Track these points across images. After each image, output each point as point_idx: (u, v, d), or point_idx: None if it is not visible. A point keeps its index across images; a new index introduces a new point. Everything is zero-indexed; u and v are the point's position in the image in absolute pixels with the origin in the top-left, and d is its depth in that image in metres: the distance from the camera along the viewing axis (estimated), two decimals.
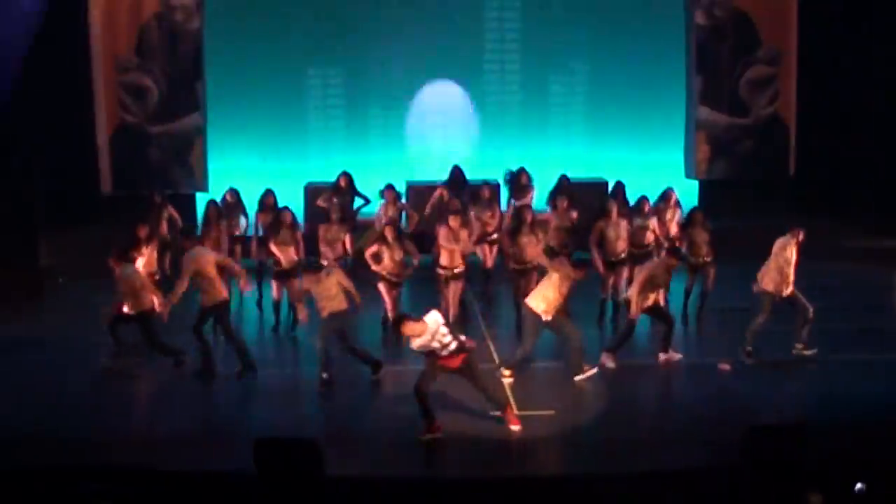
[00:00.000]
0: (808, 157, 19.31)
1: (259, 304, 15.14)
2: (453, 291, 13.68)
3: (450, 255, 13.59)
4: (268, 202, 15.34)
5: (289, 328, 14.12)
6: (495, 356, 12.78)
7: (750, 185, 19.30)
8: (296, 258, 13.90)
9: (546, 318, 12.14)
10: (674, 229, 14.95)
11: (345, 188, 15.99)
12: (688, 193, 17.45)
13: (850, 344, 13.27)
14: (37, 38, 17.84)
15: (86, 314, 14.40)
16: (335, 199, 15.36)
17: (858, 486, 7.99)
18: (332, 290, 12.13)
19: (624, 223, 14.26)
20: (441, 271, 13.68)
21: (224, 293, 12.54)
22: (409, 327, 10.39)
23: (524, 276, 13.89)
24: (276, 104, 19.31)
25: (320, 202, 15.69)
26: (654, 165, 19.50)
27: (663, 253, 13.32)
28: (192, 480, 9.33)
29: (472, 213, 15.03)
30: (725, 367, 12.62)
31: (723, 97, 19.29)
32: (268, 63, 19.09)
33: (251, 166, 19.00)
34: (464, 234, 13.68)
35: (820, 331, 13.26)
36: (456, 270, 13.65)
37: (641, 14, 19.55)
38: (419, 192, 17.76)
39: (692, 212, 14.65)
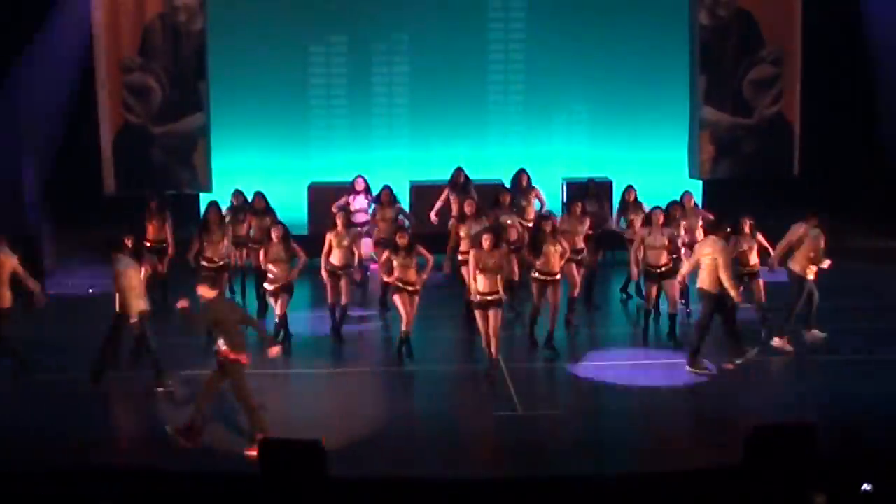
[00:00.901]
0: (812, 157, 19.24)
1: (260, 313, 14.99)
2: (493, 321, 12.27)
3: (488, 281, 12.20)
4: (257, 205, 15.17)
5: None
6: (505, 371, 12.56)
7: (754, 184, 19.23)
8: (288, 276, 13.26)
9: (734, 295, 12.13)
10: (700, 234, 14.77)
11: (360, 191, 15.71)
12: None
13: (856, 344, 13.20)
14: (40, 39, 17.82)
15: (87, 315, 14.32)
16: (351, 204, 15.21)
17: (865, 486, 7.93)
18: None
19: (668, 232, 13.70)
20: (478, 297, 12.28)
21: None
22: (205, 290, 10.47)
23: (551, 287, 13.19)
24: (279, 103, 19.25)
25: (335, 208, 15.30)
26: (658, 165, 19.43)
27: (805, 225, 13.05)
28: (195, 481, 9.28)
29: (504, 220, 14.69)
30: (730, 366, 12.54)
31: (726, 97, 19.23)
32: (271, 62, 19.04)
33: (255, 166, 18.93)
34: (498, 256, 12.33)
35: (826, 331, 13.21)
36: (493, 297, 12.24)
37: (645, 13, 19.49)
38: (422, 191, 17.71)
39: (742, 220, 13.59)
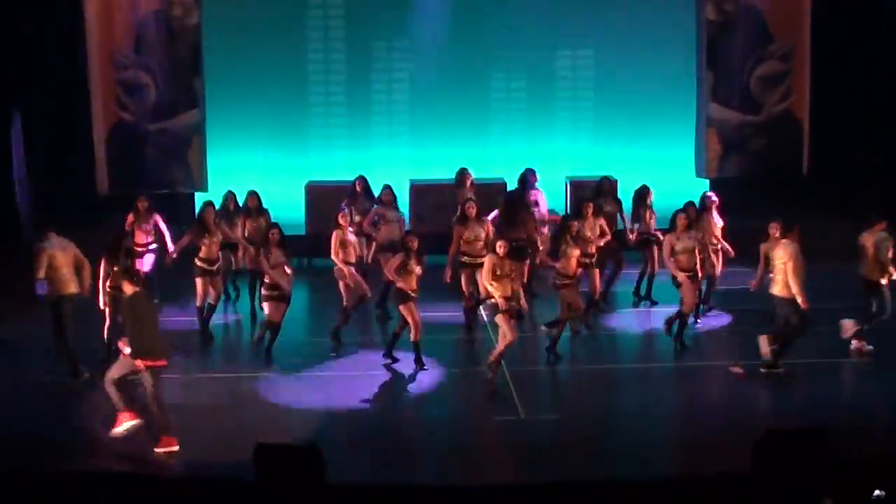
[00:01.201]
0: (821, 155, 19.23)
1: (252, 315, 14.97)
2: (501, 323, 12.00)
3: (504, 288, 11.94)
4: (251, 205, 15.11)
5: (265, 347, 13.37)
6: (507, 375, 12.42)
7: (762, 183, 19.22)
8: (289, 281, 13.15)
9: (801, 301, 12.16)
10: (717, 233, 14.70)
11: (361, 193, 15.58)
12: (698, 192, 17.29)
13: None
14: (32, 34, 17.82)
15: (81, 318, 14.29)
16: (354, 206, 15.12)
17: (877, 492, 7.94)
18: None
19: (694, 235, 13.48)
20: (505, 304, 11.95)
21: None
22: (128, 285, 10.59)
23: (571, 290, 13.07)
24: (276, 100, 19.25)
25: (344, 206, 15.04)
26: (664, 163, 19.41)
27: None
28: (190, 487, 9.29)
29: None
30: (738, 370, 12.54)
31: (734, 94, 19.19)
32: (268, 58, 19.02)
33: (251, 165, 18.93)
34: (512, 262, 12.18)
35: (835, 333, 13.19)
36: (514, 304, 12.06)
37: (651, 8, 19.48)
38: (422, 190, 17.70)
39: (771, 227, 13.09)
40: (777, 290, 12.37)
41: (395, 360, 12.99)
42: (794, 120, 19.27)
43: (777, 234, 12.97)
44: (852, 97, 19.26)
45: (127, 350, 10.48)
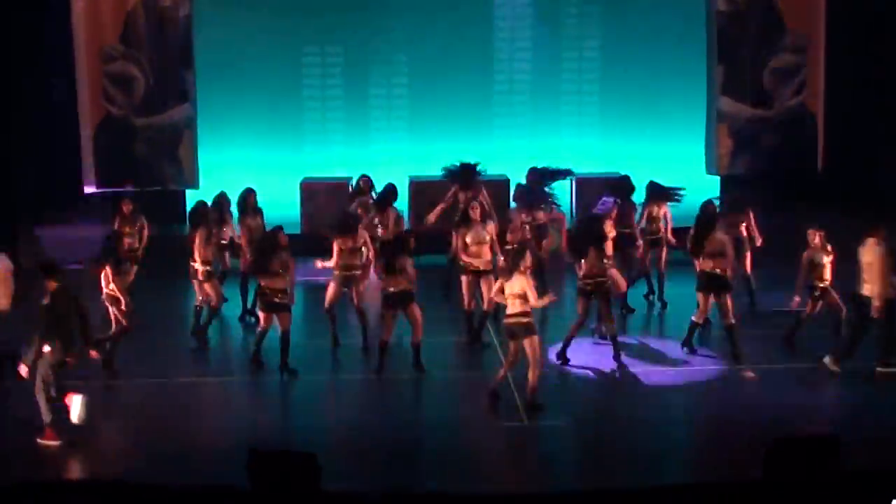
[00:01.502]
0: (836, 151, 19.23)
1: (242, 318, 14.94)
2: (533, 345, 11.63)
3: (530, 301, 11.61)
4: (249, 203, 15.06)
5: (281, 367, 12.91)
6: (511, 380, 12.39)
7: (775, 180, 19.22)
8: (292, 286, 12.93)
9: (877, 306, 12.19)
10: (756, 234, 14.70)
11: (367, 192, 15.48)
12: (709, 190, 17.33)
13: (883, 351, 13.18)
14: (17, 26, 17.83)
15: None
16: (362, 205, 15.03)
17: (894, 502, 7.97)
18: None
19: (726, 237, 13.30)
20: (519, 320, 11.56)
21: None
22: (51, 283, 10.70)
23: (601, 295, 12.96)
24: (270, 94, 19.25)
25: (355, 209, 15.05)
26: (673, 159, 19.41)
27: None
28: (183, 493, 9.30)
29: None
30: (750, 374, 12.56)
31: (746, 87, 19.20)
32: (261, 51, 19.03)
33: (244, 161, 18.93)
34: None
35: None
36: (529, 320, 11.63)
37: None
38: (422, 188, 17.71)
39: (811, 233, 13.17)
40: (867, 290, 12.35)
41: (381, 371, 12.81)
42: (808, 114, 19.28)
43: (817, 241, 12.98)
44: (869, 90, 19.25)
45: (46, 349, 10.59)
